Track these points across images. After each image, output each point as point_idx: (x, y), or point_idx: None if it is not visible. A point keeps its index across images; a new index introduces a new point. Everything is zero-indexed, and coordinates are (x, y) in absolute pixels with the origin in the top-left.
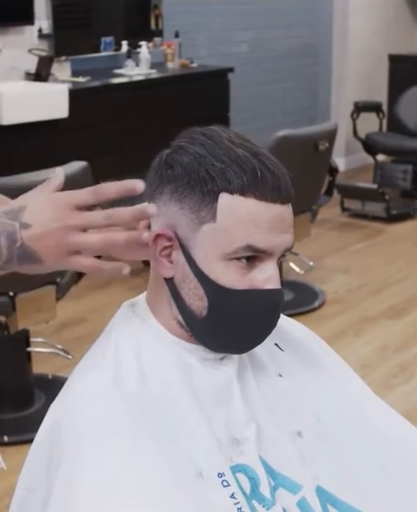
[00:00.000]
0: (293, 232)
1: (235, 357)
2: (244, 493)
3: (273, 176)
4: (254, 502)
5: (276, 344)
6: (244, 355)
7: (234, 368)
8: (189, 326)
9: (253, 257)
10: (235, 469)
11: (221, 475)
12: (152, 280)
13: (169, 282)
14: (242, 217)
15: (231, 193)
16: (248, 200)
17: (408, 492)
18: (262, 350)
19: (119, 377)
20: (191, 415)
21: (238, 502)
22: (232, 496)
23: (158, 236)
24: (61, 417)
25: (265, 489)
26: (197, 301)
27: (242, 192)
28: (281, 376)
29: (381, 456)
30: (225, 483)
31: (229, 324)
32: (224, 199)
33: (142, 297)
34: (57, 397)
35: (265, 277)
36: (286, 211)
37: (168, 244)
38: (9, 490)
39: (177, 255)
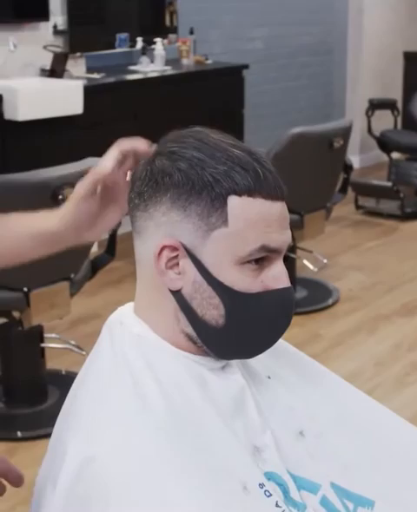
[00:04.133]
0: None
1: (234, 364)
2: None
3: (271, 174)
4: (291, 508)
5: None
6: (238, 361)
7: (240, 376)
8: (202, 337)
9: (262, 258)
10: (267, 477)
11: (262, 485)
12: (149, 295)
13: (177, 294)
14: (253, 218)
15: (239, 195)
16: (256, 201)
17: (408, 480)
18: None
19: (143, 402)
20: (219, 428)
21: (284, 510)
22: (277, 505)
23: (163, 248)
24: (95, 454)
25: (295, 494)
26: (212, 310)
27: (250, 193)
28: (269, 377)
29: (373, 449)
30: (267, 493)
31: (247, 328)
32: (233, 202)
33: (127, 313)
34: (75, 430)
35: (275, 276)
36: (284, 207)
37: (173, 255)
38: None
39: (185, 265)
